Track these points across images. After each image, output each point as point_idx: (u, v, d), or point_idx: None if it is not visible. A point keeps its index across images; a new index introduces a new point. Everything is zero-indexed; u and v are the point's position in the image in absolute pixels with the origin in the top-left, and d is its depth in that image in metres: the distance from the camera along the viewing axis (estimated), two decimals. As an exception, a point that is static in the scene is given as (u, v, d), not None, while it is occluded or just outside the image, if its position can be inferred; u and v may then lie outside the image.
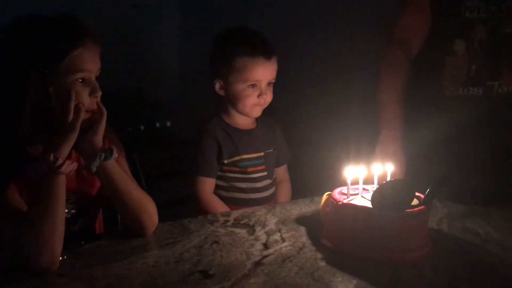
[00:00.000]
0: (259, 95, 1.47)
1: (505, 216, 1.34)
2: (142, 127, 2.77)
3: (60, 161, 0.99)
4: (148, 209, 1.16)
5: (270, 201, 1.56)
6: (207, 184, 1.48)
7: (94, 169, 1.08)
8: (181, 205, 1.61)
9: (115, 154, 1.10)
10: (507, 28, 1.42)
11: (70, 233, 1.13)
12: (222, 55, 1.48)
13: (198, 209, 1.46)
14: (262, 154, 1.55)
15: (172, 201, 1.64)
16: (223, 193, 1.52)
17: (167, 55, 3.78)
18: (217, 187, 1.52)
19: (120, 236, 1.17)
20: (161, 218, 1.20)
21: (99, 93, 1.07)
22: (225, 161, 1.50)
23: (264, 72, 1.46)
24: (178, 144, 1.78)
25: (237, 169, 1.51)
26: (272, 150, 1.58)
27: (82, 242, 1.11)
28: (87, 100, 1.05)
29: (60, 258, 1.01)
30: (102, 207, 1.27)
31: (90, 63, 1.06)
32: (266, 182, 1.56)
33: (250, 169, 1.52)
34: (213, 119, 1.52)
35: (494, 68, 1.44)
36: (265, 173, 1.55)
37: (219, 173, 1.51)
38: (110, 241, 1.13)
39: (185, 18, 3.79)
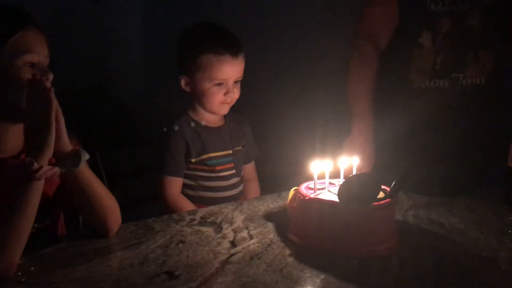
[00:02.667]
0: (225, 93, 1.44)
1: (468, 207, 1.36)
2: (105, 125, 2.70)
3: (36, 166, 0.95)
4: (113, 209, 1.14)
5: (238, 199, 1.53)
6: (175, 184, 1.45)
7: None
8: (144, 205, 1.57)
9: (85, 158, 1.05)
10: (471, 21, 1.44)
11: (29, 236, 1.09)
12: (187, 51, 1.45)
13: (166, 209, 1.42)
14: (230, 152, 1.52)
15: (135, 200, 1.60)
16: (191, 192, 1.49)
17: (130, 51, 3.71)
18: (185, 186, 1.48)
19: (82, 238, 1.12)
20: (124, 219, 1.17)
21: (51, 76, 1.03)
22: (193, 160, 1.46)
23: (230, 70, 1.43)
24: (141, 142, 1.73)
25: (205, 167, 1.48)
26: (241, 147, 1.56)
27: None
28: None
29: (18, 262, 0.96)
30: (63, 208, 1.23)
31: (35, 45, 1.03)
32: (234, 180, 1.54)
33: (218, 168, 1.49)
34: (181, 117, 1.49)
35: (458, 60, 1.46)
36: (234, 171, 1.53)
37: (187, 172, 1.48)
38: (72, 244, 1.09)
39: (148, 14, 3.72)
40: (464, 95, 1.48)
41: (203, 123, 1.49)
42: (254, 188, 1.62)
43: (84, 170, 1.08)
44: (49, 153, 0.98)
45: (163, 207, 1.43)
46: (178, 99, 1.55)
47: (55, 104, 1.01)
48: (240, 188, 1.57)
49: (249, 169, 1.63)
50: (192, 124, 1.48)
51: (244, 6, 2.67)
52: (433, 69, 1.46)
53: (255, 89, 1.52)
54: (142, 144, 1.69)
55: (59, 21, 3.21)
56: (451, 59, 1.45)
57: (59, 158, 1.03)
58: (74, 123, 1.15)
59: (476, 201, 1.40)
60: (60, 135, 1.03)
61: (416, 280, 0.97)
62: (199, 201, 1.47)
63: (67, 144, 1.04)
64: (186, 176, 1.48)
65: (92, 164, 1.23)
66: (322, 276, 0.96)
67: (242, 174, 1.58)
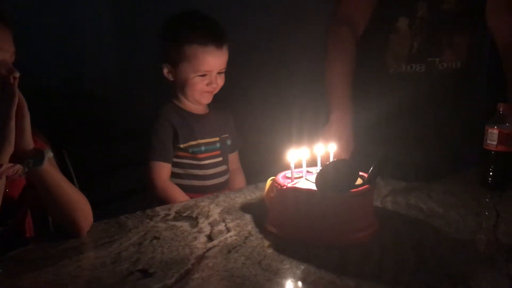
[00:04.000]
0: (208, 84, 1.43)
1: (447, 191, 1.36)
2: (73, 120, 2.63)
3: None
4: (84, 208, 1.09)
5: (224, 187, 1.53)
6: (164, 170, 1.43)
7: (23, 176, 0.99)
8: (117, 202, 1.53)
9: (48, 156, 1.00)
10: (446, 5, 1.44)
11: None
12: (171, 41, 1.43)
13: (154, 197, 1.40)
14: (217, 139, 1.52)
15: (108, 198, 1.55)
16: (179, 181, 1.47)
17: (102, 44, 3.62)
18: (173, 175, 1.46)
19: (50, 238, 1.07)
20: (96, 217, 1.12)
21: (17, 74, 0.97)
22: (181, 146, 1.44)
23: (215, 62, 1.42)
24: (113, 139, 1.69)
25: (193, 155, 1.47)
26: (227, 135, 1.56)
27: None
28: None
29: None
30: (30, 209, 1.17)
31: (1, 42, 0.98)
32: (222, 168, 1.53)
33: (206, 155, 1.49)
34: (166, 103, 1.47)
35: (434, 44, 1.46)
36: (221, 158, 1.53)
37: (175, 160, 1.46)
38: (40, 245, 1.04)
39: (118, 5, 3.63)
40: (440, 79, 1.48)
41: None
42: (239, 178, 1.61)
43: (50, 169, 1.03)
44: (9, 150, 0.93)
45: (151, 195, 1.41)
46: (152, 92, 1.52)
47: (18, 98, 0.96)
48: (227, 176, 1.57)
49: (234, 159, 1.62)
50: (178, 111, 1.47)
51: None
52: (409, 54, 1.46)
53: (228, 79, 1.49)
54: (115, 141, 1.65)
55: (28, 16, 3.11)
56: (427, 43, 1.45)
57: (21, 156, 0.98)
58: (42, 120, 1.11)
59: (453, 185, 1.40)
60: (23, 132, 0.98)
61: (398, 266, 0.95)
62: (188, 190, 1.46)
63: (30, 142, 0.99)
64: (174, 165, 1.46)
65: (60, 163, 1.18)
66: (302, 267, 0.94)
67: (228, 162, 1.57)
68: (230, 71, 1.50)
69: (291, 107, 2.07)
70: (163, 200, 1.38)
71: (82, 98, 3.11)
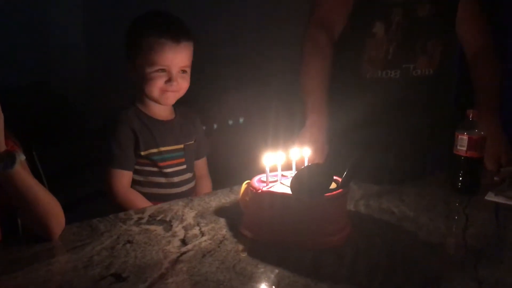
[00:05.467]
0: (167, 81, 1.39)
1: (417, 194, 1.39)
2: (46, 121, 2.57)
3: None
4: (56, 212, 1.07)
5: (190, 195, 1.49)
6: (124, 177, 1.39)
7: None
8: (89, 204, 1.50)
9: (19, 158, 0.98)
10: (421, 12, 1.47)
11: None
12: (132, 36, 1.41)
13: (114, 205, 1.36)
14: (181, 146, 1.48)
15: (79, 200, 1.52)
16: (140, 188, 1.43)
17: (71, 45, 3.56)
18: (134, 182, 1.43)
19: (19, 242, 1.05)
20: (68, 220, 1.10)
21: None
22: (142, 153, 1.41)
23: (172, 57, 1.37)
24: (83, 138, 1.65)
25: (155, 162, 1.43)
26: (192, 142, 1.52)
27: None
28: None
29: None
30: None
31: None
32: (186, 176, 1.50)
33: (168, 163, 1.45)
34: (128, 108, 1.43)
35: (409, 50, 1.48)
36: (185, 166, 1.49)
37: (136, 167, 1.42)
38: (8, 249, 1.01)
39: (89, 6, 3.58)
40: (414, 85, 1.51)
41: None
42: (205, 185, 1.58)
43: (21, 172, 1.00)
44: None
45: (111, 204, 1.37)
46: (122, 92, 1.49)
47: None
48: (192, 184, 1.53)
49: (201, 165, 1.59)
50: (140, 116, 1.43)
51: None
52: (385, 59, 1.48)
53: (205, 81, 1.48)
54: (84, 140, 1.61)
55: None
56: (402, 50, 1.48)
57: None
58: (11, 121, 1.08)
59: (424, 188, 1.43)
60: None
61: (370, 270, 0.96)
62: (151, 198, 1.42)
63: (2, 144, 0.97)
64: (135, 172, 1.42)
65: (30, 164, 1.15)
66: (276, 271, 0.94)
67: (194, 169, 1.54)
68: (204, 73, 1.48)
69: (266, 110, 2.07)
70: (123, 209, 1.34)
71: (52, 98, 3.05)
